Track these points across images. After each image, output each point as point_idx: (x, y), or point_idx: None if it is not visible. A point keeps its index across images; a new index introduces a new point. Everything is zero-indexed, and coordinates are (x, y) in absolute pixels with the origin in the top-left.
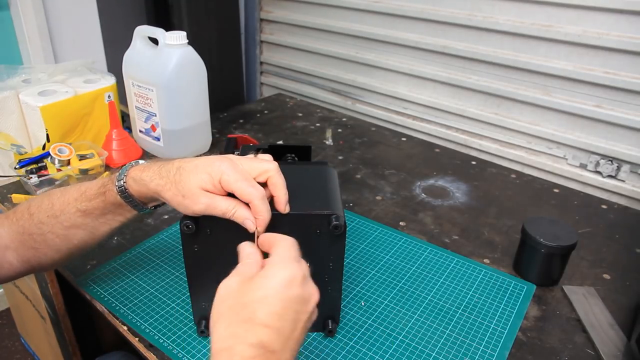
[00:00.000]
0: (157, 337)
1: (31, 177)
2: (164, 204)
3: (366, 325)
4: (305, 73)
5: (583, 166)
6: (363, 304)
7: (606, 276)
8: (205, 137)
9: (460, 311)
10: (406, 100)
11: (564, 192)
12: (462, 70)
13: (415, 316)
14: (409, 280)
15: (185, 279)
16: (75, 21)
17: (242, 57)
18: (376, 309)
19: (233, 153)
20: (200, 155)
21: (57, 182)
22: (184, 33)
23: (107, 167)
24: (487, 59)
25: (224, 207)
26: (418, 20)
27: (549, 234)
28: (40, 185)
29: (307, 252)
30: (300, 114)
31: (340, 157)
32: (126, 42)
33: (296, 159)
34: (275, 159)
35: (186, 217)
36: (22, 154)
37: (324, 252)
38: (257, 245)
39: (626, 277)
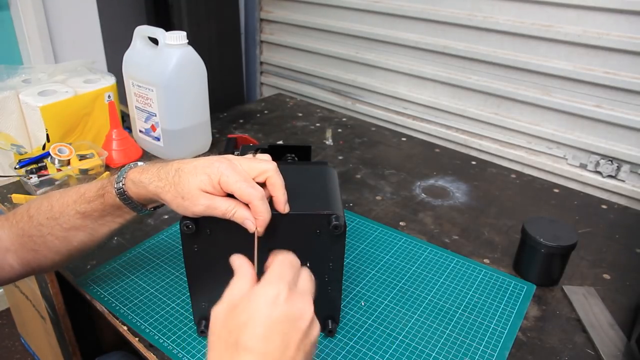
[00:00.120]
0: (157, 337)
1: (31, 177)
2: (163, 205)
3: (366, 325)
4: (305, 73)
5: (583, 166)
6: (363, 304)
7: (606, 276)
8: (205, 137)
9: (460, 311)
10: (406, 100)
11: (564, 192)
12: (462, 70)
13: (415, 316)
14: (409, 280)
15: (185, 279)
16: (75, 21)
17: (242, 57)
18: (376, 309)
19: (233, 153)
20: (200, 156)
21: (57, 182)
22: (184, 33)
23: (107, 167)
24: (487, 59)
25: (223, 208)
26: (418, 20)
27: (549, 234)
28: (40, 185)
29: (307, 252)
30: (300, 114)
31: (340, 157)
32: (126, 42)
33: (296, 159)
34: (275, 159)
35: (186, 217)
36: (22, 154)
37: (324, 252)
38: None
39: (626, 277)
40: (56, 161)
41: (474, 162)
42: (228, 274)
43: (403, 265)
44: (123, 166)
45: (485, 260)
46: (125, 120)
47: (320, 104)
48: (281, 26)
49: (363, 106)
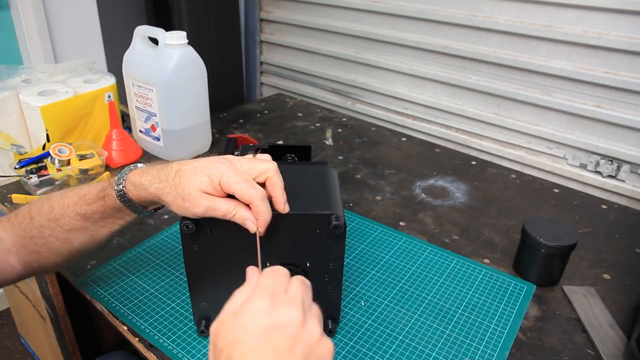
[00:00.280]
0: (157, 337)
1: (31, 177)
2: (163, 206)
3: (366, 325)
4: (305, 73)
5: (583, 166)
6: (363, 304)
7: (606, 276)
8: (205, 137)
9: (460, 311)
10: (406, 100)
11: (564, 192)
12: (462, 70)
13: (415, 316)
14: (409, 280)
15: (185, 279)
16: (75, 21)
17: (242, 57)
18: (376, 309)
19: (233, 153)
20: (200, 156)
21: (57, 182)
22: (184, 33)
23: (107, 167)
24: (487, 59)
25: (224, 209)
26: (418, 20)
27: (549, 234)
28: (40, 185)
29: (307, 252)
30: (300, 114)
31: (340, 157)
32: (126, 42)
33: (296, 159)
34: (275, 159)
35: (186, 217)
36: (22, 154)
37: (324, 252)
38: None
39: (626, 277)
40: (56, 161)
41: (474, 162)
42: (228, 274)
43: (403, 265)
44: (123, 167)
45: (485, 260)
46: (125, 120)
47: (320, 104)
48: (281, 26)
49: (363, 106)
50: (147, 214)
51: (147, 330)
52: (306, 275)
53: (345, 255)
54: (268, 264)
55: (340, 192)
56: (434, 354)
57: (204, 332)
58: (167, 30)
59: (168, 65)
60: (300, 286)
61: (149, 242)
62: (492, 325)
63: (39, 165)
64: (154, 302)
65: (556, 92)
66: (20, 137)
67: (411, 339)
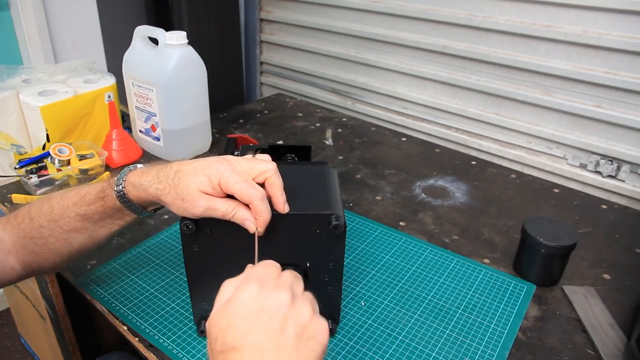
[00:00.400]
0: (157, 337)
1: (31, 177)
2: (163, 207)
3: (366, 325)
4: (305, 73)
5: (583, 166)
6: (363, 304)
7: (606, 276)
8: (205, 137)
9: (460, 311)
10: (406, 100)
11: (564, 192)
12: (462, 70)
13: (415, 316)
14: (409, 280)
15: (185, 279)
16: (75, 21)
17: (242, 57)
18: (376, 309)
19: (233, 153)
20: (200, 156)
21: (57, 182)
22: (184, 33)
23: (107, 167)
24: (487, 59)
25: (223, 209)
26: (418, 20)
27: (549, 234)
28: (40, 185)
29: (307, 252)
30: (300, 114)
31: (340, 157)
32: (126, 42)
33: (296, 159)
34: (275, 159)
35: (186, 217)
36: (22, 154)
37: (324, 252)
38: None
39: (626, 277)
40: (56, 161)
41: (474, 162)
42: (228, 274)
43: (403, 265)
44: (123, 167)
45: (485, 260)
46: (125, 120)
47: (320, 104)
48: (281, 26)
49: (363, 106)
50: (146, 215)
51: (147, 330)
52: (306, 275)
53: (345, 255)
54: None
55: (340, 192)
56: (434, 354)
57: (204, 332)
58: (167, 30)
59: (168, 65)
60: (290, 275)
61: (149, 242)
62: (492, 325)
63: (39, 165)
64: (154, 302)
65: (556, 92)
66: (20, 137)
67: (411, 339)
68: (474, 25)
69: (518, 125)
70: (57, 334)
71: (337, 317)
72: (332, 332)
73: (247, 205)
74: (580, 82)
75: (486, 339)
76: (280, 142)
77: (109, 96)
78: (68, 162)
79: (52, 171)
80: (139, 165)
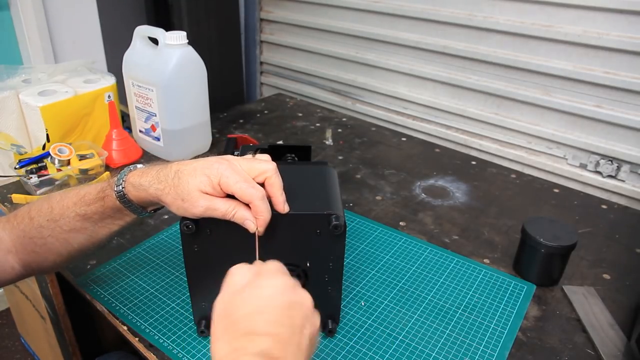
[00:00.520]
0: (157, 337)
1: (31, 177)
2: (163, 207)
3: (366, 325)
4: (305, 73)
5: (583, 166)
6: (363, 304)
7: (606, 276)
8: (205, 137)
9: (460, 311)
10: (406, 100)
11: (564, 192)
12: (462, 70)
13: (415, 316)
14: (409, 280)
15: (185, 279)
16: (75, 21)
17: (242, 57)
18: (376, 309)
19: (233, 153)
20: (200, 156)
21: (57, 182)
22: (184, 33)
23: (107, 167)
24: (487, 59)
25: (223, 209)
26: (418, 20)
27: (549, 234)
28: (40, 185)
29: (307, 252)
30: (300, 114)
31: (340, 157)
32: (126, 42)
33: (296, 159)
34: (275, 159)
35: (186, 217)
36: (22, 154)
37: (324, 252)
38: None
39: (626, 277)
40: (56, 161)
41: (474, 162)
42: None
43: (403, 265)
44: (123, 167)
45: (485, 260)
46: (125, 120)
47: (320, 104)
48: (281, 26)
49: (363, 106)
50: (146, 215)
51: (147, 330)
52: (306, 275)
53: (345, 255)
54: None
55: (340, 192)
56: (434, 354)
57: (204, 332)
58: (167, 30)
59: (168, 65)
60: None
61: (149, 242)
62: (492, 325)
63: (39, 165)
64: (154, 302)
65: (556, 92)
66: (20, 137)
67: (411, 339)
68: (474, 25)
69: (518, 125)
70: (57, 334)
71: (337, 317)
72: (332, 332)
73: (247, 205)
74: (580, 82)
75: (486, 339)
76: (280, 142)
77: (109, 96)
78: (68, 162)
79: (52, 171)
80: (138, 166)
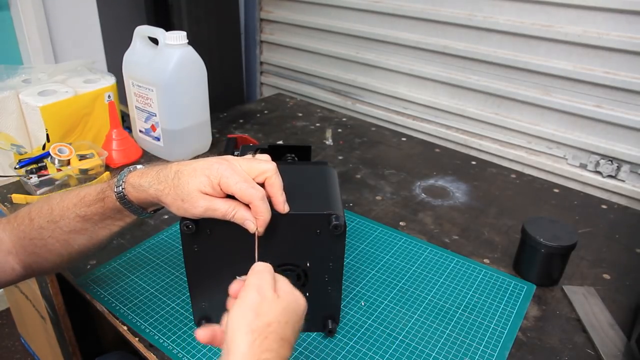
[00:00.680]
0: (157, 337)
1: (31, 177)
2: (163, 207)
3: (366, 325)
4: (305, 73)
5: (583, 166)
6: (363, 304)
7: (606, 276)
8: (205, 137)
9: (460, 311)
10: (406, 100)
11: (564, 192)
12: (462, 70)
13: (415, 316)
14: (409, 280)
15: (185, 279)
16: (75, 21)
17: (242, 57)
18: (376, 309)
19: (233, 153)
20: (200, 156)
21: (57, 182)
22: (184, 33)
23: (107, 167)
24: (487, 59)
25: (223, 210)
26: (418, 20)
27: (549, 234)
28: (40, 185)
29: (307, 252)
30: (300, 114)
31: (340, 157)
32: (126, 42)
33: (296, 159)
34: (275, 159)
35: (186, 217)
36: (22, 154)
37: (324, 252)
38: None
39: (626, 277)
40: (56, 161)
41: (474, 162)
42: (228, 274)
43: (403, 265)
44: (123, 167)
45: (485, 260)
46: (125, 120)
47: (320, 104)
48: (281, 26)
49: (363, 106)
50: (146, 215)
51: (147, 330)
52: (306, 275)
53: (345, 255)
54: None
55: (340, 192)
56: (434, 354)
57: None
58: (167, 30)
59: (168, 65)
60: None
61: (149, 242)
62: (492, 325)
63: (39, 165)
64: (154, 302)
65: (556, 92)
66: (20, 137)
67: (411, 339)
68: (474, 25)
69: (518, 125)
70: (57, 334)
71: (337, 317)
72: (332, 332)
73: (247, 205)
74: (580, 82)
75: (486, 339)
76: (280, 142)
77: (109, 96)
78: (68, 162)
79: (52, 171)
80: (138, 166)
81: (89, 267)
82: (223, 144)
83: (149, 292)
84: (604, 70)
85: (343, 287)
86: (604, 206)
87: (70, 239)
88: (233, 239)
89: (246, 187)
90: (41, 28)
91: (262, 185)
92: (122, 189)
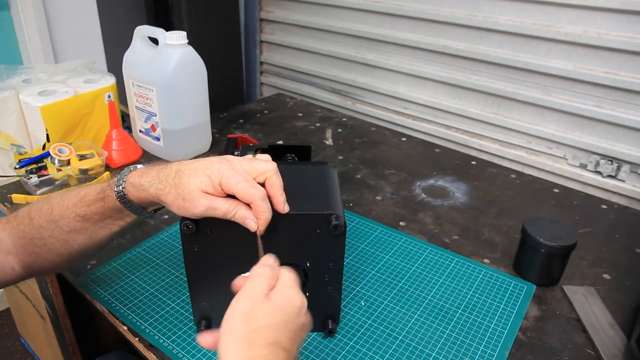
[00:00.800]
0: (157, 337)
1: (31, 177)
2: (163, 207)
3: (366, 325)
4: (305, 73)
5: (583, 166)
6: (363, 304)
7: (606, 276)
8: (205, 137)
9: (460, 311)
10: (406, 100)
11: (564, 192)
12: (462, 70)
13: (415, 316)
14: (409, 280)
15: (185, 279)
16: (75, 21)
17: (242, 57)
18: (376, 309)
19: (233, 153)
20: (200, 156)
21: (57, 182)
22: (184, 33)
23: (107, 167)
24: (487, 59)
25: (224, 209)
26: (418, 20)
27: (549, 234)
28: (40, 185)
29: (307, 252)
30: (300, 114)
31: (340, 157)
32: (126, 42)
33: (296, 158)
34: (275, 159)
35: (186, 217)
36: (22, 154)
37: (324, 252)
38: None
39: (626, 277)
40: (56, 161)
41: (474, 162)
42: (228, 274)
43: (403, 265)
44: (123, 167)
45: (485, 260)
46: (125, 120)
47: (320, 104)
48: (281, 26)
49: (363, 106)
50: (147, 215)
51: (147, 330)
52: (306, 275)
53: (345, 255)
54: None
55: (340, 192)
56: (434, 354)
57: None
58: (167, 30)
59: (168, 65)
60: (289, 270)
61: (149, 242)
62: (492, 325)
63: (39, 165)
64: (154, 302)
65: (556, 92)
66: (20, 137)
67: (411, 339)
68: (474, 25)
69: (518, 125)
70: (57, 334)
71: (337, 317)
72: (332, 332)
73: (247, 205)
74: (580, 82)
75: (486, 339)
76: (280, 142)
77: (109, 96)
78: (68, 162)
79: (52, 171)
80: (138, 166)
81: (89, 267)
82: (223, 144)
83: (149, 292)
84: (604, 70)
85: (343, 287)
86: (604, 206)
87: (70, 238)
88: (233, 239)
89: (247, 187)
90: (41, 28)
91: (263, 185)
92: (123, 188)
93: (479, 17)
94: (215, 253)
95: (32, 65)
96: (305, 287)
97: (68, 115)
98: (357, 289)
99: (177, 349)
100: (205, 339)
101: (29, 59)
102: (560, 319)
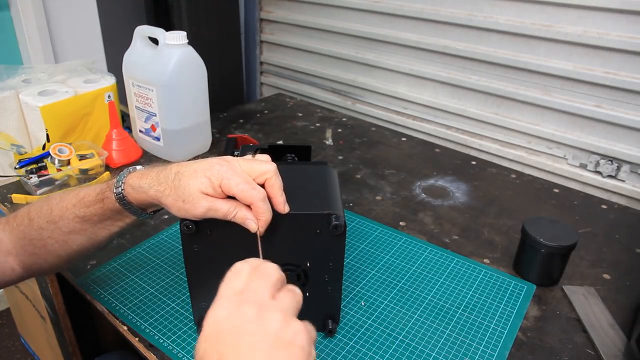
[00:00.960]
0: (157, 337)
1: (31, 177)
2: (162, 208)
3: (366, 325)
4: (305, 73)
5: (583, 166)
6: (363, 304)
7: (606, 276)
8: (205, 137)
9: (460, 311)
10: (406, 100)
11: (564, 192)
12: (462, 70)
13: (415, 316)
14: (409, 280)
15: (185, 279)
16: (75, 21)
17: (242, 57)
18: (376, 309)
19: (233, 153)
20: (200, 156)
21: (57, 182)
22: (184, 33)
23: (107, 167)
24: (487, 59)
25: (224, 210)
26: (418, 20)
27: (549, 234)
28: (40, 185)
29: (307, 252)
30: (300, 114)
31: (340, 157)
32: (126, 42)
33: (296, 158)
34: (275, 159)
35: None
36: (22, 154)
37: (324, 252)
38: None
39: (626, 277)
40: (56, 161)
41: (474, 162)
42: None
43: (403, 265)
44: (122, 167)
45: (485, 260)
46: (125, 120)
47: (320, 104)
48: (281, 26)
49: (363, 106)
50: (146, 216)
51: (147, 330)
52: (306, 275)
53: (345, 255)
54: None
55: (340, 192)
56: (434, 354)
57: None
58: (167, 30)
59: (168, 65)
60: (273, 265)
61: (149, 242)
62: (492, 325)
63: (39, 165)
64: (154, 302)
65: (556, 92)
66: (20, 137)
67: (411, 339)
68: (474, 25)
69: (518, 125)
70: (57, 334)
71: (337, 317)
72: (332, 332)
73: (247, 206)
74: (580, 82)
75: (486, 339)
76: (280, 142)
77: (109, 96)
78: (68, 162)
79: (52, 171)
80: (138, 167)
81: (89, 267)
82: (223, 144)
83: (149, 292)
84: (604, 70)
85: (343, 287)
86: (604, 206)
87: (70, 239)
88: (233, 239)
89: (247, 188)
90: (41, 28)
91: (262, 185)
92: (122, 190)
93: (479, 17)
94: (215, 253)
95: (32, 65)
96: (305, 287)
97: (68, 115)
98: (357, 289)
99: (177, 349)
100: None
101: (29, 59)
102: (560, 319)
